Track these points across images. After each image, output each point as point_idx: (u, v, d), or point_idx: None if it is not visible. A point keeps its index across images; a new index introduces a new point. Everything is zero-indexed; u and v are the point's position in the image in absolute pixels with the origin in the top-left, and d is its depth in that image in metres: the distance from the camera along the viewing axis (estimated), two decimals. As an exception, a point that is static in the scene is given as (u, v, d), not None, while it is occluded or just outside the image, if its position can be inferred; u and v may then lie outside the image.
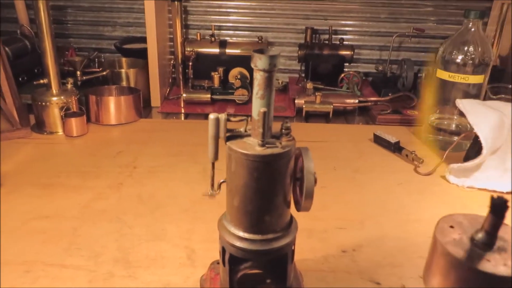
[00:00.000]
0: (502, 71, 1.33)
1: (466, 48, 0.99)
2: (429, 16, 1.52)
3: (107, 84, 1.26)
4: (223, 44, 1.43)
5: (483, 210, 0.81)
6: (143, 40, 1.26)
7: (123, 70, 1.28)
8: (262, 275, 0.58)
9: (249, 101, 1.28)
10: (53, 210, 0.77)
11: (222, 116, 0.45)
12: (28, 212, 0.76)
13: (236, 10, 1.53)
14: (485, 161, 0.92)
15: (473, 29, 0.99)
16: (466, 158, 0.96)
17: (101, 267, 0.63)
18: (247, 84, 1.32)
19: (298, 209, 0.51)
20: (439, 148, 1.07)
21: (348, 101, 1.29)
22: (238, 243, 0.48)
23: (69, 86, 1.12)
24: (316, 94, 1.24)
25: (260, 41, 1.44)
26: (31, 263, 0.64)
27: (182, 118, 1.24)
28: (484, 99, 1.07)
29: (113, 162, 0.95)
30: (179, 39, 1.43)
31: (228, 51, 1.42)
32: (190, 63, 1.37)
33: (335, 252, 0.69)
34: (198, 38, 1.45)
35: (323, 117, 1.26)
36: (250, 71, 1.22)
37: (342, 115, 1.29)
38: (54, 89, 1.08)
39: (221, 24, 1.53)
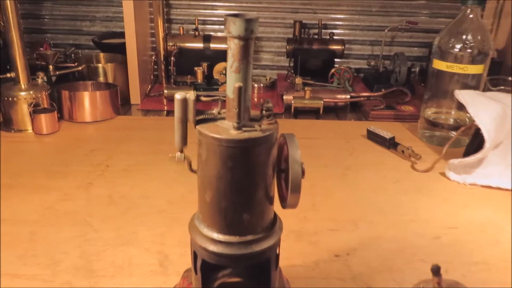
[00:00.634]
0: (500, 64, 1.27)
1: (464, 37, 0.93)
2: (422, 9, 1.46)
3: (84, 80, 1.18)
4: (207, 38, 1.36)
5: (486, 208, 0.75)
6: (124, 35, 1.18)
7: (100, 65, 1.20)
8: (242, 284, 0.50)
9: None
10: (12, 212, 0.69)
11: (191, 96, 0.38)
12: (-17, 215, 0.68)
13: (221, 4, 1.46)
14: (487, 156, 0.86)
15: (471, 16, 0.92)
16: (466, 154, 0.90)
17: (58, 277, 0.55)
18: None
19: (284, 205, 0.43)
20: (436, 144, 1.00)
21: (339, 96, 1.22)
22: (212, 247, 0.40)
23: (39, 80, 1.04)
24: (306, 89, 1.17)
25: (246, 36, 1.37)
26: (-22, 273, 0.55)
27: (164, 116, 1.16)
28: (484, 91, 1.00)
29: (84, 161, 0.87)
30: (161, 34, 1.36)
31: (213, 45, 1.35)
32: (172, 58, 1.29)
33: (326, 257, 0.62)
34: (181, 33, 1.38)
35: (313, 113, 1.19)
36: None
37: (333, 112, 1.22)
38: (23, 83, 1.00)
39: (205, 18, 1.46)
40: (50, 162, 0.86)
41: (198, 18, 1.39)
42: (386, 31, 1.38)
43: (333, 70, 1.34)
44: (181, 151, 0.40)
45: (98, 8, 1.46)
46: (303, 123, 1.14)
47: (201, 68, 1.24)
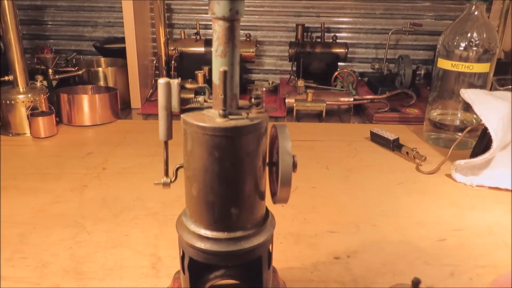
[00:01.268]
0: (507, 65, 1.24)
1: (469, 35, 0.90)
2: (427, 11, 1.44)
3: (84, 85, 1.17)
4: (208, 42, 1.35)
5: (493, 210, 0.72)
6: (125, 40, 1.17)
7: (100, 69, 1.19)
8: (235, 286, 0.47)
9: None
10: (2, 214, 0.67)
11: (175, 81, 0.36)
12: (-27, 217, 0.66)
13: (223, 8, 1.45)
14: (495, 157, 0.83)
15: (476, 13, 0.90)
16: (473, 155, 0.86)
17: (46, 279, 0.53)
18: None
19: (274, 200, 0.41)
20: (442, 146, 0.97)
21: (342, 99, 1.19)
22: (199, 243, 0.38)
23: (38, 84, 1.03)
24: (308, 92, 1.15)
25: (248, 40, 1.36)
26: (-37, 275, 0.53)
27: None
28: (491, 91, 0.97)
29: (80, 164, 0.85)
30: (162, 39, 1.35)
31: (214, 49, 1.33)
32: (174, 62, 1.28)
33: (326, 259, 0.59)
34: (182, 37, 1.37)
35: (315, 116, 1.17)
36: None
37: (336, 115, 1.19)
38: (21, 86, 0.99)
39: (207, 22, 1.45)
40: (45, 165, 0.84)
41: (200, 22, 1.38)
42: (390, 33, 1.36)
43: (336, 73, 1.32)
44: (167, 174, 0.39)
45: (100, 13, 1.46)
46: (306, 126, 1.11)
47: (202, 71, 1.23)
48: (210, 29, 1.45)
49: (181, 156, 0.39)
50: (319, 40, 1.40)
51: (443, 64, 0.94)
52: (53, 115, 0.99)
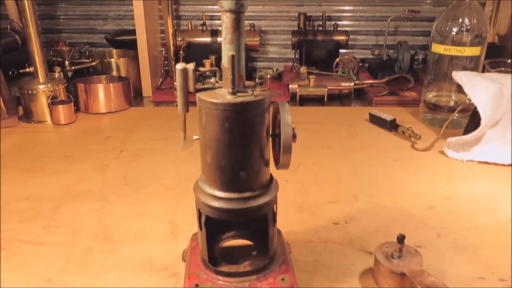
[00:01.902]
0: (500, 48, 1.29)
1: (460, 20, 0.96)
2: (425, -2, 1.49)
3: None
4: (214, 33, 1.41)
5: (481, 182, 0.78)
6: (135, 32, 1.24)
7: (113, 60, 1.26)
8: (246, 249, 0.54)
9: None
10: (34, 192, 0.74)
11: (190, 66, 0.43)
12: (7, 194, 0.73)
13: (228, -1, 1.51)
14: (485, 134, 0.89)
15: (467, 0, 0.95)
16: (465, 134, 0.92)
17: (79, 243, 0.61)
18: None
19: (277, 167, 0.48)
20: (438, 127, 1.03)
21: (343, 84, 1.25)
22: (214, 203, 0.45)
23: (56, 74, 1.10)
24: (310, 77, 1.21)
25: (252, 29, 1.42)
26: (6, 241, 0.61)
27: (175, 106, 1.21)
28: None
29: (99, 147, 0.92)
30: (170, 30, 1.41)
31: (220, 39, 1.39)
32: (182, 53, 1.34)
33: (326, 224, 0.66)
34: (189, 28, 1.43)
35: (318, 101, 1.23)
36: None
37: (337, 99, 1.26)
38: (41, 77, 1.06)
39: (213, 13, 1.51)
40: (67, 149, 0.91)
41: (206, 13, 1.44)
42: (389, 20, 1.41)
43: (337, 60, 1.38)
44: (184, 119, 0.45)
45: (110, 7, 1.53)
46: (308, 110, 1.18)
47: (209, 60, 1.29)
48: (216, 19, 1.52)
49: (193, 131, 0.46)
50: (320, 28, 1.46)
51: (437, 48, 1.00)
52: (72, 104, 1.06)
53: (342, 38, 1.43)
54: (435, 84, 1.05)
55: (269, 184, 0.47)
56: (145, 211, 0.68)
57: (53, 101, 1.04)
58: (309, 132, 1.00)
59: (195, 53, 1.39)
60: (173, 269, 0.56)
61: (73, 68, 1.22)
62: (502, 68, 1.06)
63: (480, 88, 0.89)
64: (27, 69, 1.07)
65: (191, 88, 0.43)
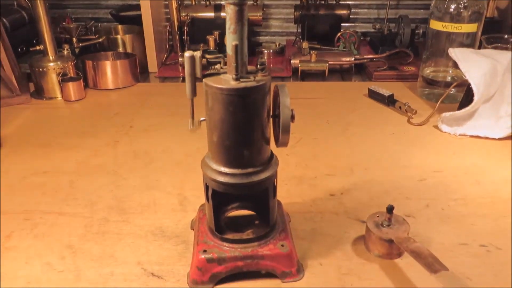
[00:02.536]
0: (499, 23, 1.31)
1: (458, -3, 0.98)
2: (427, -29, 1.49)
3: (104, 51, 1.27)
4: (218, 8, 1.43)
5: (471, 155, 0.83)
6: (139, 7, 1.26)
7: (119, 36, 1.29)
8: (249, 219, 0.60)
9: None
10: (52, 166, 0.80)
11: (197, 54, 0.47)
12: (28, 169, 0.79)
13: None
14: (479, 109, 0.92)
15: (465, -24, 0.97)
16: (460, 108, 0.96)
17: (96, 214, 0.66)
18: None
19: (277, 145, 0.52)
20: (434, 101, 1.07)
21: (344, 59, 1.28)
22: (219, 178, 0.50)
23: (65, 52, 1.14)
24: (312, 53, 1.24)
25: (255, 4, 1.44)
26: (30, 212, 0.67)
27: (180, 82, 1.25)
28: (479, 49, 1.06)
29: (109, 123, 0.97)
30: (174, 5, 1.43)
31: (223, 14, 1.42)
32: (186, 28, 1.37)
33: (323, 196, 0.71)
34: (193, 3, 1.45)
35: (319, 76, 1.26)
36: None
37: (338, 74, 1.29)
38: (51, 55, 1.10)
39: (216, -12, 1.52)
40: (80, 125, 0.96)
41: (209, -12, 1.45)
42: (390, -6, 1.42)
43: (339, 34, 1.40)
44: (192, 103, 0.49)
45: (115, -18, 1.54)
46: (309, 85, 1.21)
47: (213, 36, 1.32)
48: (219, -6, 1.53)
49: (200, 113, 0.50)
50: (323, 2, 1.47)
51: (435, 25, 1.03)
52: (81, 80, 1.10)
53: (344, 12, 1.45)
54: (433, 60, 1.08)
55: (270, 160, 0.52)
56: (155, 184, 0.74)
57: (63, 78, 1.08)
58: (310, 107, 1.04)
59: (199, 28, 1.41)
60: (183, 237, 0.61)
61: (80, 45, 1.25)
62: (499, 44, 1.08)
63: (474, 65, 0.92)
64: (37, 47, 1.10)
65: (198, 74, 0.47)
